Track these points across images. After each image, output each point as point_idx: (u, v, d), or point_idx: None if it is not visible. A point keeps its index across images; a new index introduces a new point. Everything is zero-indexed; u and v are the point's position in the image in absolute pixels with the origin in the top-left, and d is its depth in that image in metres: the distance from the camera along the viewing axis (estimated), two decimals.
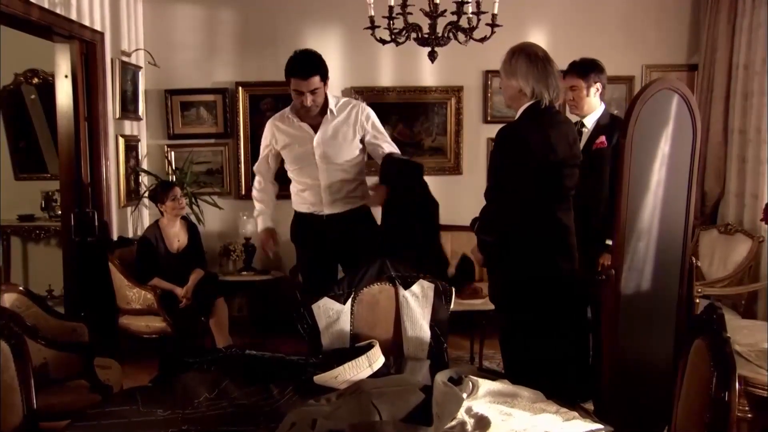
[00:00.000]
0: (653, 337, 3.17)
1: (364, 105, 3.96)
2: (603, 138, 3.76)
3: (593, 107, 3.87)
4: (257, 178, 4.19)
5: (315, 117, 3.77)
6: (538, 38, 6.00)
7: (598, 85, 3.84)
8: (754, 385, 2.88)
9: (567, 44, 5.92)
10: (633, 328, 3.09)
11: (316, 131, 3.77)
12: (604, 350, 3.13)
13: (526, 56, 2.88)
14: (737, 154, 5.37)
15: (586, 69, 3.84)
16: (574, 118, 3.97)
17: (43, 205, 6.25)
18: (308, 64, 3.62)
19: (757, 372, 2.90)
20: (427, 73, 5.87)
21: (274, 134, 3.90)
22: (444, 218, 5.49)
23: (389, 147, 3.90)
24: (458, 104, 6.01)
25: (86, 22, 4.88)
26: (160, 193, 4.99)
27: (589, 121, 3.89)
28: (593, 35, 5.91)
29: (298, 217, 4.01)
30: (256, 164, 4.17)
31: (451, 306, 2.78)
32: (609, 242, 3.60)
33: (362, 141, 3.88)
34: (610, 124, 3.83)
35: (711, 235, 5.38)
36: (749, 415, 2.94)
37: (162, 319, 4.73)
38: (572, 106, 3.94)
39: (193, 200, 5.63)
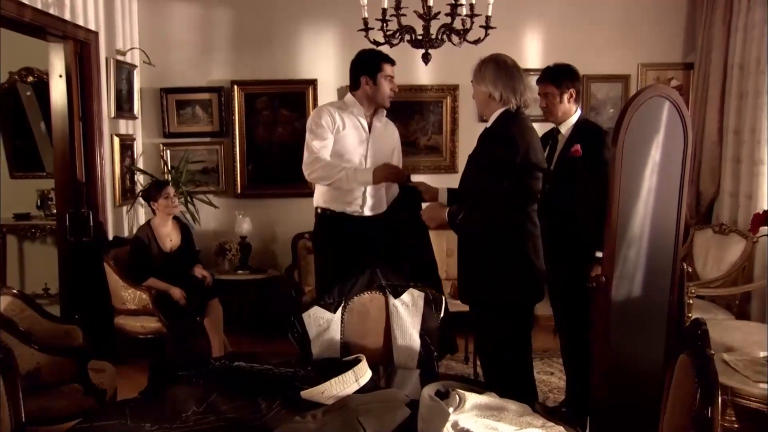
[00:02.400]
0: (645, 344, 3.17)
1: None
2: (578, 146, 3.73)
3: (568, 113, 3.84)
4: (317, 157, 3.68)
5: (369, 117, 3.87)
6: (534, 37, 6.00)
7: (572, 91, 3.80)
8: (741, 396, 2.89)
9: (563, 43, 5.94)
10: (624, 336, 3.09)
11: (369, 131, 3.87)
12: (596, 358, 3.14)
13: (495, 63, 3.06)
14: (732, 154, 5.37)
15: (558, 75, 3.82)
16: (549, 125, 3.97)
17: (38, 204, 6.25)
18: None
19: (744, 383, 2.91)
20: (423, 72, 5.87)
21: (333, 117, 3.75)
22: None
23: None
24: (454, 103, 6.01)
25: (80, 22, 4.88)
26: (154, 191, 4.99)
27: (565, 128, 3.86)
28: (589, 34, 5.91)
29: (329, 216, 3.80)
30: (313, 157, 3.68)
31: (441, 314, 2.79)
32: (599, 254, 3.53)
33: None
34: (586, 131, 3.80)
35: (705, 235, 5.39)
36: (736, 425, 2.95)
37: (157, 319, 4.74)
38: (546, 113, 3.90)
39: (189, 199, 5.64)
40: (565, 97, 3.79)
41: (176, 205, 5.03)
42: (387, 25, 4.18)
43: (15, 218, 6.18)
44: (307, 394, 2.06)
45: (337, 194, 3.75)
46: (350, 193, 3.74)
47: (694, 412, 1.86)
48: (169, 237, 4.99)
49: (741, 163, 5.27)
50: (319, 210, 3.85)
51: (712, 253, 5.25)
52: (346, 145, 3.75)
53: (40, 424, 3.32)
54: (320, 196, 3.84)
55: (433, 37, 4.21)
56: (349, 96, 3.87)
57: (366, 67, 3.79)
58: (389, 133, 4.00)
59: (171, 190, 5.01)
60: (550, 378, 4.80)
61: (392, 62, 3.85)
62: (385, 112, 3.97)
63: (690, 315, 4.44)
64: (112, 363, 3.94)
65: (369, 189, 3.75)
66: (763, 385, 2.89)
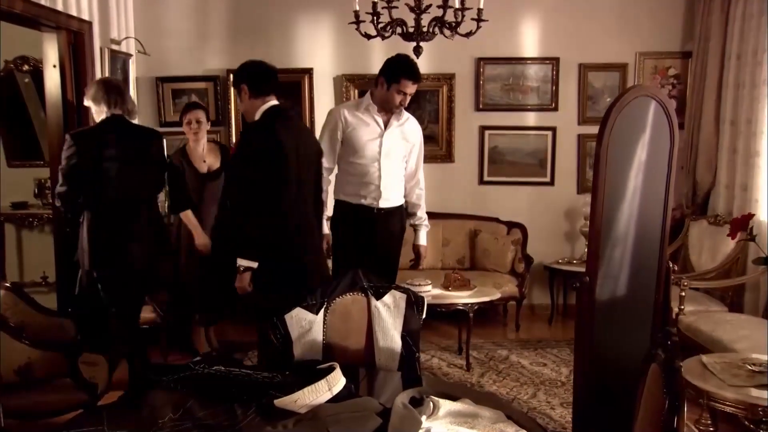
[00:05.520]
0: (630, 342, 3.18)
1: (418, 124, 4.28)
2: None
3: (252, 111, 3.42)
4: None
5: (387, 115, 4.04)
6: (530, 26, 5.97)
7: (244, 86, 3.40)
8: (716, 400, 2.89)
9: (560, 32, 5.90)
10: (609, 335, 3.10)
11: (385, 127, 4.03)
12: (579, 358, 3.16)
13: (96, 85, 4.03)
14: (728, 145, 5.34)
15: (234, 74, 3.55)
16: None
17: (36, 193, 6.27)
18: (418, 71, 3.99)
19: (719, 387, 2.91)
20: (419, 61, 5.79)
21: (342, 117, 4.02)
22: (436, 206, 5.53)
23: (420, 173, 4.28)
24: (450, 92, 5.99)
25: (73, 12, 4.84)
26: (181, 113, 4.81)
27: None
28: (586, 23, 5.87)
29: (343, 206, 4.11)
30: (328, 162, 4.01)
31: (423, 316, 2.81)
32: (241, 262, 3.30)
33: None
34: (246, 130, 3.45)
35: (700, 226, 5.38)
36: (711, 429, 2.97)
37: (152, 309, 4.78)
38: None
39: None
40: (243, 95, 3.42)
41: (197, 131, 4.67)
42: (378, 18, 4.17)
43: (12, 207, 6.21)
44: (281, 402, 2.08)
45: (354, 189, 4.05)
46: (366, 187, 4.01)
47: (662, 422, 1.88)
48: (203, 158, 4.74)
49: (737, 153, 5.24)
50: (338, 200, 4.12)
51: (706, 245, 5.24)
52: (357, 141, 3.99)
53: (33, 418, 3.37)
54: (339, 190, 4.11)
55: (425, 30, 4.19)
56: (367, 94, 4.09)
57: (388, 71, 3.93)
58: (409, 130, 4.14)
59: (194, 116, 4.68)
60: (543, 369, 4.79)
61: (414, 80, 3.94)
62: (404, 112, 4.11)
63: (683, 307, 4.46)
64: (108, 353, 3.97)
65: (383, 183, 4.00)
66: (747, 390, 2.89)
